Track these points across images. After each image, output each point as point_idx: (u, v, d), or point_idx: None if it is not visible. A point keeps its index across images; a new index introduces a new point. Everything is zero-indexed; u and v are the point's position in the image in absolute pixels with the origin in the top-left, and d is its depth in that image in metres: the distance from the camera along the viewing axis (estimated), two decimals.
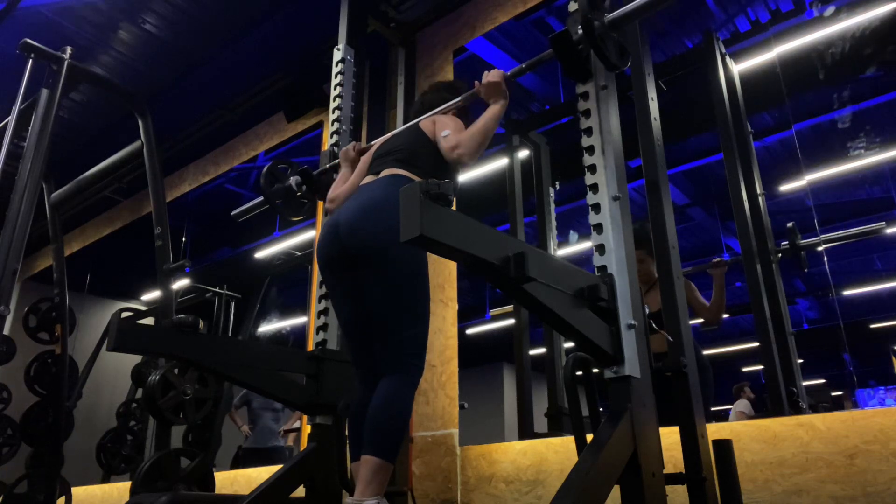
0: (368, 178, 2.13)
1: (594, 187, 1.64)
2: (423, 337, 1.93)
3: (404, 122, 3.38)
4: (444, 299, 3.17)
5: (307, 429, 2.66)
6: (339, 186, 2.30)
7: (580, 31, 1.64)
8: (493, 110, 2.04)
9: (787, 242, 3.39)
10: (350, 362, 2.34)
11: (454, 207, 1.31)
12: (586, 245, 4.45)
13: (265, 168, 2.63)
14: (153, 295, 7.60)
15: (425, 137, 2.12)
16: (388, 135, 2.34)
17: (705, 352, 3.62)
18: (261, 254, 6.74)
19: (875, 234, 3.53)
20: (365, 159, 2.30)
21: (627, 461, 1.39)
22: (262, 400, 5.35)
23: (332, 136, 2.72)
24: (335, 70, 2.80)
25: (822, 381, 9.33)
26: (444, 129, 2.06)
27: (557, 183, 4.46)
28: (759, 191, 3.38)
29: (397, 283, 1.89)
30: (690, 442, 1.70)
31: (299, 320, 7.12)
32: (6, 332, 3.21)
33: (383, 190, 1.98)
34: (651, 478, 1.41)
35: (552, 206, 4.35)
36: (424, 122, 2.19)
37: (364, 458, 1.73)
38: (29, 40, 3.00)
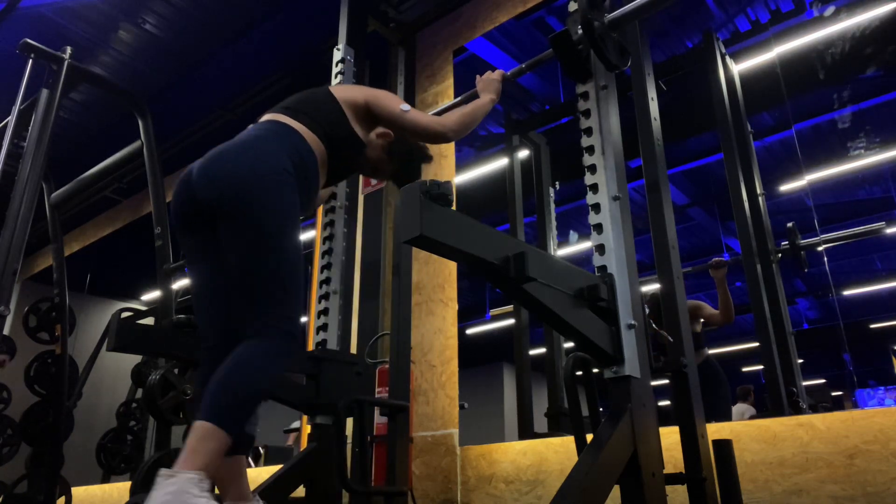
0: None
1: (594, 187, 1.64)
2: (290, 294, 1.62)
3: None
4: (444, 299, 3.18)
5: (307, 429, 2.66)
6: None
7: (580, 31, 1.64)
8: (483, 101, 2.00)
9: (787, 242, 3.39)
10: (347, 361, 2.34)
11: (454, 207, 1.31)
12: (586, 245, 4.46)
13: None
14: (153, 295, 7.60)
15: (333, 99, 1.91)
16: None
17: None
18: None
19: (875, 234, 3.53)
20: None
21: (627, 461, 1.39)
22: None
23: None
24: (335, 70, 2.80)
25: (822, 381, 9.33)
26: (398, 102, 1.93)
27: (557, 183, 4.46)
28: (759, 191, 3.39)
29: (257, 232, 1.60)
30: (690, 442, 1.70)
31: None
32: (6, 332, 3.21)
33: (246, 133, 1.76)
34: (651, 478, 1.41)
35: (552, 206, 4.36)
36: (343, 88, 1.99)
37: (195, 423, 1.41)
38: (29, 40, 3.00)
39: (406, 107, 1.92)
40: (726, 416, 3.43)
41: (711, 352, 3.67)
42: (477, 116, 1.97)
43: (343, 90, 1.96)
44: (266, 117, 1.85)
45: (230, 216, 1.61)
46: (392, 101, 1.94)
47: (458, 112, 1.96)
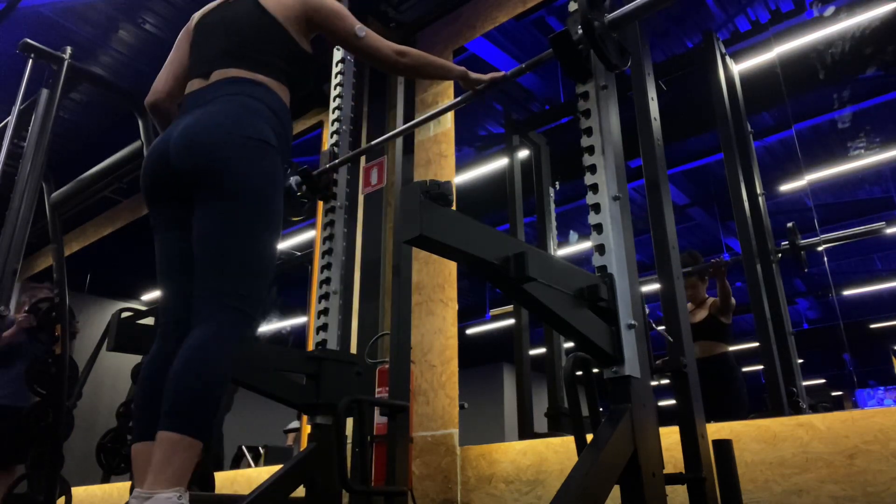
0: (196, 83, 1.72)
1: (594, 187, 1.64)
2: (259, 274, 1.53)
3: (403, 121, 3.38)
4: (444, 299, 3.18)
5: (307, 429, 2.66)
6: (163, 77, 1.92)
7: (580, 31, 1.64)
8: (455, 67, 1.94)
9: (787, 242, 3.39)
10: (347, 361, 2.33)
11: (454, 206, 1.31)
12: (586, 245, 4.46)
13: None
14: (153, 295, 7.60)
15: (275, 23, 1.73)
16: (213, 5, 1.89)
17: None
18: None
19: (875, 234, 3.54)
20: (185, 41, 1.89)
21: (627, 461, 1.39)
22: None
23: (331, 136, 2.72)
24: (335, 70, 2.80)
25: (822, 381, 9.33)
26: (353, 24, 1.78)
27: (557, 183, 4.46)
28: (759, 191, 3.39)
29: (234, 202, 1.51)
30: (690, 442, 1.70)
31: (299, 320, 7.12)
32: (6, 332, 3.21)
33: (216, 101, 1.63)
34: (651, 478, 1.41)
35: (552, 206, 4.36)
36: (279, 0, 1.77)
37: (160, 434, 1.30)
38: (29, 40, 3.00)
39: (362, 30, 1.78)
40: (743, 410, 3.47)
41: None
42: (435, 70, 1.89)
43: (278, 3, 1.76)
44: (223, 74, 1.68)
45: (208, 186, 1.53)
46: (345, 21, 1.79)
47: (419, 54, 1.86)
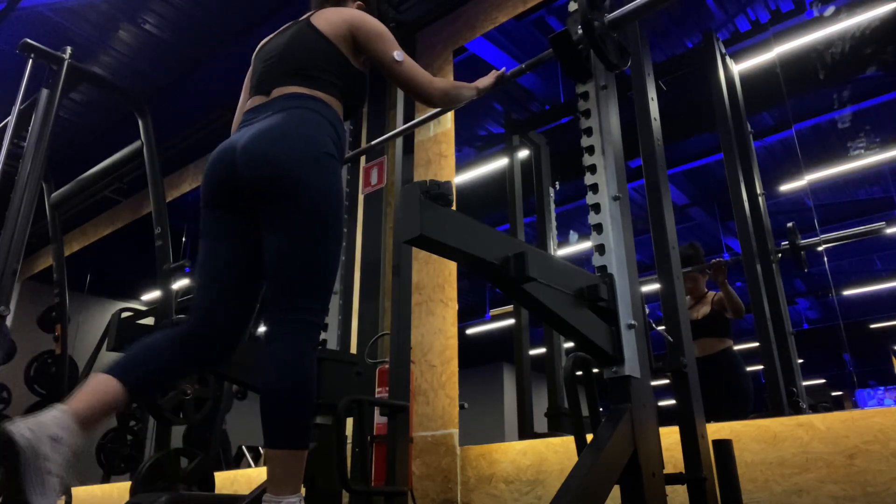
0: (257, 100, 1.79)
1: (594, 187, 1.64)
2: (328, 288, 1.62)
3: (403, 121, 3.38)
4: (444, 299, 3.18)
5: None
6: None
7: (580, 31, 1.64)
8: (469, 85, 1.97)
9: (787, 242, 3.39)
10: (347, 362, 2.33)
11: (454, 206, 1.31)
12: (586, 245, 4.46)
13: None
14: (153, 295, 7.59)
15: (329, 44, 1.79)
16: (271, 35, 1.98)
17: None
18: None
19: (875, 234, 3.53)
20: (249, 74, 1.94)
21: (627, 461, 1.39)
22: None
23: None
24: None
25: (822, 381, 9.33)
26: (395, 49, 1.82)
27: (557, 183, 4.46)
28: (759, 191, 3.39)
29: (307, 218, 1.57)
30: (690, 442, 1.70)
31: None
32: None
33: (280, 114, 1.67)
34: (651, 478, 1.41)
35: (552, 206, 4.36)
36: (329, 20, 1.83)
37: (276, 452, 1.44)
38: (29, 40, 3.00)
39: (400, 55, 1.81)
40: (742, 413, 3.45)
41: None
42: (460, 96, 1.93)
43: (329, 24, 1.82)
44: (283, 91, 1.75)
45: (282, 202, 1.56)
46: (386, 45, 1.83)
47: (448, 82, 1.90)
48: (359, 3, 2.07)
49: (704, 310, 3.66)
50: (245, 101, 1.91)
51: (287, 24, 1.96)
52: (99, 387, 1.44)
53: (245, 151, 1.60)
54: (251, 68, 1.95)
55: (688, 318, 1.91)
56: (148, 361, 1.53)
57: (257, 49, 1.98)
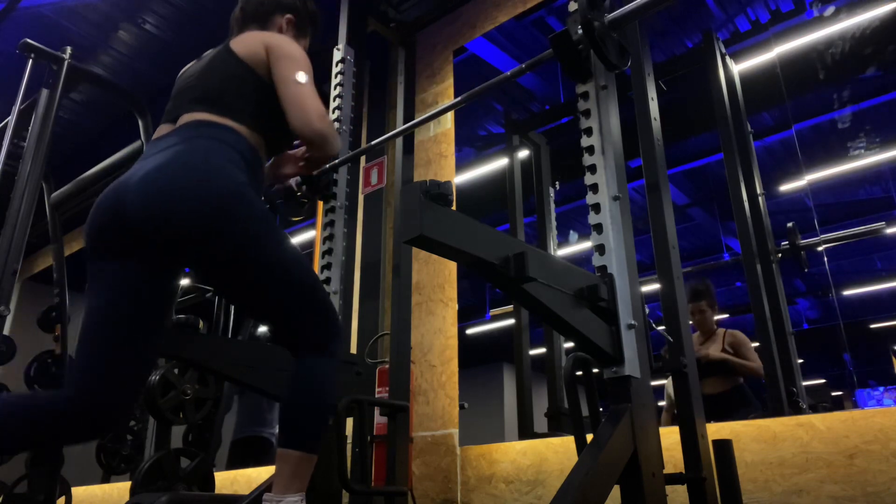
0: (164, 128, 1.64)
1: (594, 187, 1.64)
2: (312, 294, 1.56)
3: (403, 121, 3.38)
4: (444, 299, 3.18)
5: None
6: None
7: (580, 31, 1.64)
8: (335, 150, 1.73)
9: (787, 242, 3.39)
10: (347, 361, 2.33)
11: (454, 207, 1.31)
12: (586, 245, 4.45)
13: (265, 168, 2.63)
14: None
15: (246, 69, 1.66)
16: (195, 61, 1.85)
17: None
18: None
19: (875, 234, 3.54)
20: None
21: (627, 461, 1.39)
22: None
23: None
24: (335, 70, 2.79)
25: (822, 381, 9.33)
26: (298, 69, 1.64)
27: (557, 183, 4.46)
28: (759, 191, 3.39)
29: (237, 264, 1.47)
30: (690, 442, 1.70)
31: None
32: (6, 332, 3.21)
33: (178, 146, 1.50)
34: (651, 478, 1.41)
35: (552, 206, 4.36)
36: (246, 43, 1.70)
37: (284, 452, 1.46)
38: (29, 40, 3.00)
39: (304, 78, 1.63)
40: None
41: None
42: (332, 146, 1.69)
43: (246, 47, 1.69)
44: (189, 118, 1.60)
45: (206, 243, 1.43)
46: (295, 64, 1.65)
47: (333, 129, 1.68)
48: (288, 17, 1.91)
49: (714, 348, 3.48)
50: None
51: (209, 51, 1.84)
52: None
53: (138, 193, 1.43)
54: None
55: (688, 318, 1.91)
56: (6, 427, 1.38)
57: (178, 76, 1.85)
